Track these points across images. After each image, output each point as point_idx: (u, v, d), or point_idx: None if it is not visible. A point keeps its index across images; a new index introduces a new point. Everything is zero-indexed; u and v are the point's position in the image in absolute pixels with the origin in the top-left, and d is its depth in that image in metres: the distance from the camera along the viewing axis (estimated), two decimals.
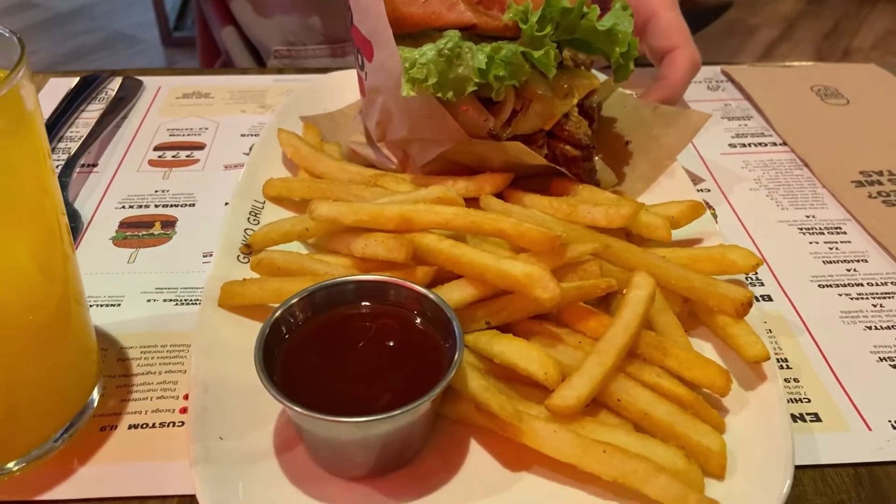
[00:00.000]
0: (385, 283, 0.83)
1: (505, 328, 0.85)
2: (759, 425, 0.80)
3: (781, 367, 0.93)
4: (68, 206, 1.16)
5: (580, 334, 0.85)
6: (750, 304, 0.86)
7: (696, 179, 1.23)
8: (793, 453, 0.75)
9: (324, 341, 0.80)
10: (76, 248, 1.04)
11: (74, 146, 1.30)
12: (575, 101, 1.06)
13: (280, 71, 1.63)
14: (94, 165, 1.28)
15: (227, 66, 1.97)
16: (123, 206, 1.19)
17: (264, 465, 0.77)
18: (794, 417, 0.87)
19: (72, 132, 1.35)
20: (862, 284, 1.06)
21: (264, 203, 1.11)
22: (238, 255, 1.01)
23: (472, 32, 1.00)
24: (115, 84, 1.49)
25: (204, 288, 0.94)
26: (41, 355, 0.79)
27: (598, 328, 0.83)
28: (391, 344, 0.79)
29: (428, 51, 0.96)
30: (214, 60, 2.06)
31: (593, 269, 0.87)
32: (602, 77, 1.23)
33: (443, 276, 0.88)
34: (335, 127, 1.27)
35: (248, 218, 1.07)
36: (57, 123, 1.35)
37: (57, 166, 1.23)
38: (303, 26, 1.79)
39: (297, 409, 0.70)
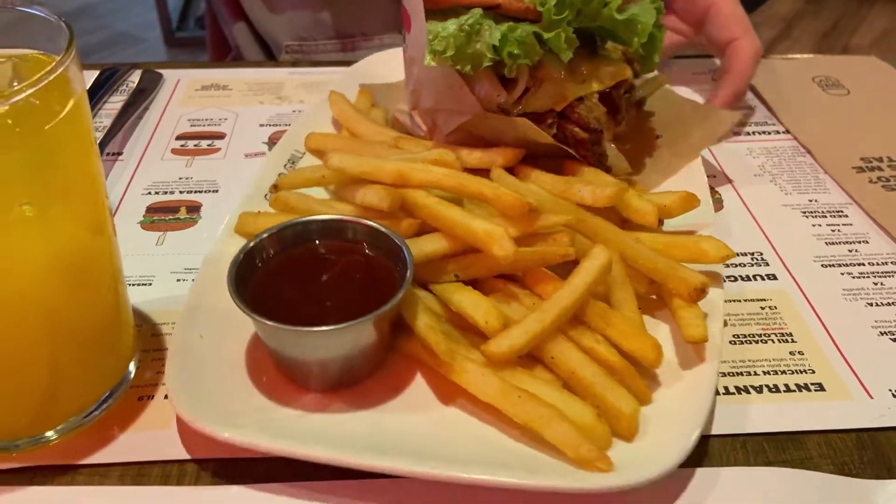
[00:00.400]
0: (343, 221, 0.93)
1: (473, 284, 0.92)
2: (683, 400, 0.84)
3: (786, 341, 0.97)
4: None
5: (537, 297, 0.92)
6: (704, 291, 0.89)
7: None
8: (703, 424, 0.79)
9: (290, 271, 0.90)
10: None
11: (100, 136, 1.34)
12: (594, 87, 1.09)
13: (295, 63, 1.67)
14: (120, 154, 1.32)
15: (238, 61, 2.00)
16: (149, 193, 1.23)
17: (233, 369, 0.89)
18: (798, 387, 0.91)
19: (95, 122, 1.39)
20: (863, 264, 1.10)
21: (304, 154, 1.22)
22: (266, 195, 1.11)
23: (496, 12, 1.05)
24: (135, 77, 1.53)
25: (227, 220, 1.04)
26: (84, 330, 0.83)
27: (553, 292, 0.89)
28: (349, 274, 0.89)
29: (450, 25, 1.02)
30: (225, 56, 2.10)
31: (563, 239, 0.92)
32: (652, 74, 1.26)
33: (427, 230, 0.96)
34: (388, 95, 1.35)
35: (285, 165, 1.20)
36: None
37: None
38: (313, 21, 1.82)
39: (260, 319, 0.81)
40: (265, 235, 0.91)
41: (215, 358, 0.89)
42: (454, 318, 0.90)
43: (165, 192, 1.23)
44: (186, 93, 1.51)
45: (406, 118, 1.24)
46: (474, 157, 1.08)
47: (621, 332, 0.86)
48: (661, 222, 1.02)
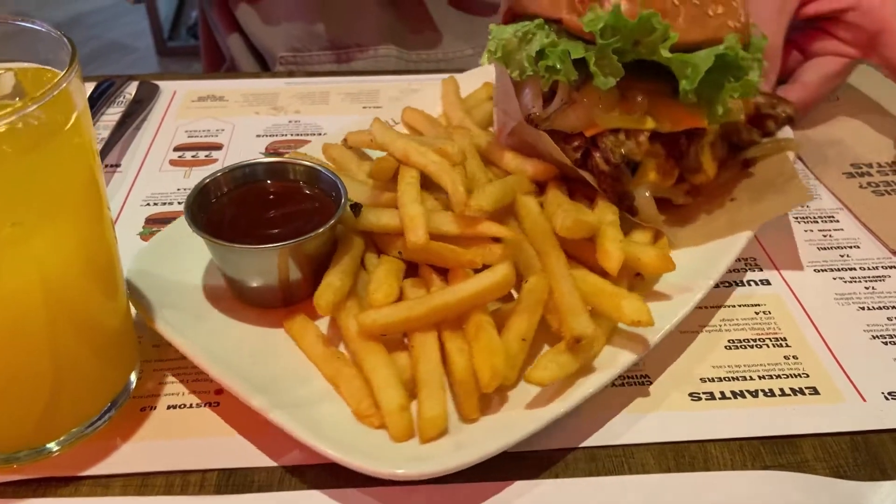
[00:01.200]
0: (285, 162, 1.05)
1: (413, 265, 0.99)
2: (504, 423, 0.85)
3: (780, 346, 0.99)
4: None
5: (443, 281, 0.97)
6: (578, 342, 0.85)
7: None
8: (510, 444, 0.81)
9: (240, 203, 1.02)
10: None
11: (98, 148, 1.34)
12: (647, 124, 1.04)
13: (290, 74, 1.68)
14: (118, 165, 1.33)
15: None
16: (148, 204, 1.24)
17: (190, 288, 1.02)
18: (793, 391, 0.93)
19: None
20: (855, 269, 1.12)
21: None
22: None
23: (559, 27, 1.05)
24: (132, 88, 1.54)
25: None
26: (87, 340, 0.84)
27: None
28: (291, 207, 1.01)
29: (508, 29, 1.05)
30: (219, 67, 2.11)
31: (495, 250, 0.95)
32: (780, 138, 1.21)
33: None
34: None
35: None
36: None
37: None
38: (308, 33, 1.83)
39: (209, 238, 0.93)
40: (218, 174, 1.03)
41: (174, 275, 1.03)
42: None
43: (164, 203, 1.24)
44: (183, 104, 1.51)
45: (497, 114, 1.24)
46: (509, 162, 1.11)
47: (480, 349, 0.83)
48: (640, 276, 0.99)
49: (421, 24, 1.85)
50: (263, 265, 0.95)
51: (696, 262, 1.01)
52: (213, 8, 2.01)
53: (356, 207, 1.00)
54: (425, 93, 1.40)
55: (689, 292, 0.96)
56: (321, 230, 0.93)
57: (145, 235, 1.17)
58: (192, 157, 1.36)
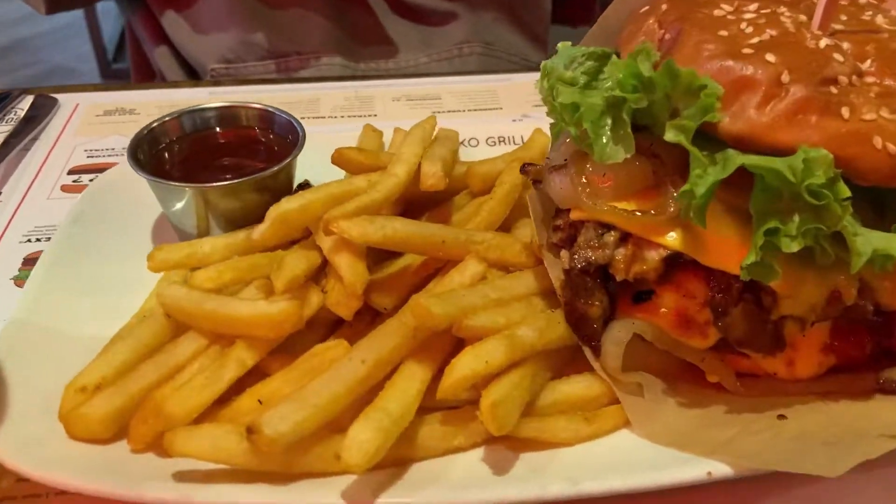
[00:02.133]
0: (236, 106, 1.04)
1: None
2: None
3: None
4: None
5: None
6: None
7: None
8: None
9: (191, 147, 1.00)
10: None
11: None
12: (663, 238, 0.75)
13: (217, 83, 1.47)
14: None
15: None
16: (29, 240, 1.02)
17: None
18: None
19: None
20: None
21: None
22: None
23: None
24: (26, 103, 1.31)
25: None
26: None
27: None
28: (244, 149, 1.01)
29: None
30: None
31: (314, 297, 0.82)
32: None
33: None
34: None
35: None
36: None
37: None
38: (242, 42, 1.63)
39: (149, 177, 0.92)
40: (166, 119, 1.00)
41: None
42: None
43: (48, 239, 1.01)
44: (85, 119, 1.29)
45: None
46: None
47: None
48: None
49: (371, 35, 1.67)
50: (219, 201, 0.94)
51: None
52: (138, 17, 1.80)
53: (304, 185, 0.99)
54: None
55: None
56: (274, 168, 0.94)
57: (21, 280, 0.94)
58: (90, 180, 1.13)
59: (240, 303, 0.76)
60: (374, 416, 0.64)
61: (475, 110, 1.34)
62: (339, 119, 1.31)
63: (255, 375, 0.75)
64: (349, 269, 0.78)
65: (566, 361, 0.81)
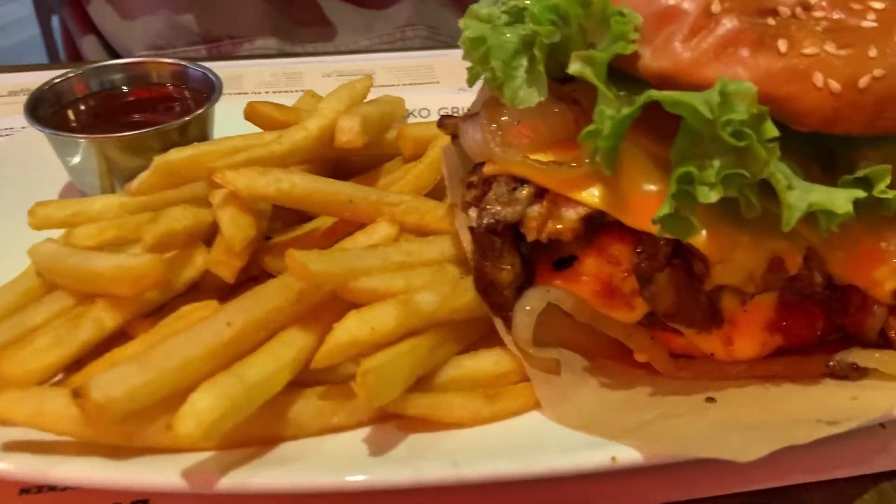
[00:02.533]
0: (146, 62, 1.01)
1: None
2: None
3: None
4: None
5: None
6: None
7: None
8: None
9: (100, 104, 0.96)
10: None
11: None
12: (581, 195, 0.67)
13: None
14: None
15: None
16: None
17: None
18: None
19: None
20: None
21: None
22: None
23: None
24: None
25: None
26: None
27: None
28: (159, 106, 0.96)
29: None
30: None
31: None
32: None
33: None
34: None
35: None
36: None
37: None
38: (171, 27, 1.57)
39: (45, 129, 0.88)
40: (71, 75, 0.96)
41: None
42: None
43: None
44: None
45: None
46: None
47: None
48: None
49: (309, 17, 1.62)
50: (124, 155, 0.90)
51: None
52: (65, 7, 1.74)
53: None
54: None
55: None
56: (184, 119, 0.91)
57: None
58: None
59: (101, 256, 0.67)
60: (223, 381, 0.56)
61: (411, 84, 1.27)
62: (263, 96, 1.22)
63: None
64: (231, 222, 0.69)
65: (482, 335, 0.72)
